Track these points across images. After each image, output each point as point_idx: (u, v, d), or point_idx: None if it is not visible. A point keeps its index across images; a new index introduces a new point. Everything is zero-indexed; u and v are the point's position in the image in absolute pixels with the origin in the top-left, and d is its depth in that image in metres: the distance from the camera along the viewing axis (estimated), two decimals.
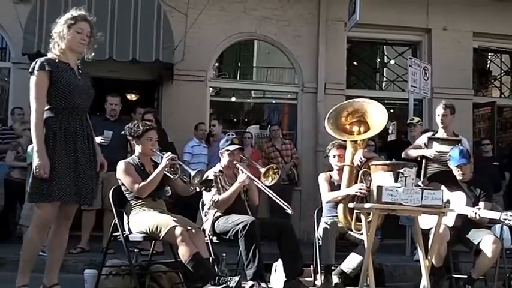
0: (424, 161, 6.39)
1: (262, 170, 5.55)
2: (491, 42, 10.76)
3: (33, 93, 4.12)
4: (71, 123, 4.20)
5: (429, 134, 6.64)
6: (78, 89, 4.23)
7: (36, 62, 4.18)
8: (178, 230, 4.60)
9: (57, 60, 4.20)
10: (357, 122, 5.48)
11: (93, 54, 4.40)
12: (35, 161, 4.02)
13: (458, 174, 5.58)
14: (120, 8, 8.32)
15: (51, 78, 4.14)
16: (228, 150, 5.56)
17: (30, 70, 4.18)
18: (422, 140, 6.60)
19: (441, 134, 6.47)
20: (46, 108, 4.18)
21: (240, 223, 5.08)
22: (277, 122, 10.31)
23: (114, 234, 4.98)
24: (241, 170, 5.47)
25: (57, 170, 4.09)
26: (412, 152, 6.51)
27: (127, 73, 9.42)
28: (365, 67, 11.14)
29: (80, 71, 4.33)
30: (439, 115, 6.42)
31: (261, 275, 5.03)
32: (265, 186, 5.44)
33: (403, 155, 6.54)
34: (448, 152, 5.86)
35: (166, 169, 4.93)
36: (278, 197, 5.41)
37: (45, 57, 4.24)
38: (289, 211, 5.35)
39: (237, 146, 5.60)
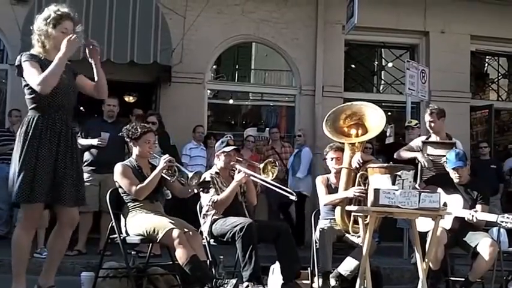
0: (419, 164, 6.40)
1: (261, 165, 5.55)
2: (488, 45, 10.78)
3: (30, 76, 4.00)
4: (57, 122, 4.14)
5: (423, 137, 6.63)
6: (62, 87, 4.13)
7: (23, 54, 4.11)
8: (175, 233, 4.60)
9: (42, 58, 4.14)
10: (355, 125, 5.47)
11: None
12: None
13: (455, 177, 5.58)
14: (118, 10, 8.32)
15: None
16: (224, 151, 5.56)
17: (17, 63, 4.10)
18: (416, 143, 6.60)
19: (434, 137, 6.47)
20: (32, 106, 4.13)
21: (237, 225, 5.08)
22: (275, 124, 10.30)
23: (111, 236, 4.97)
24: (238, 169, 5.47)
25: (39, 170, 4.03)
26: (405, 154, 6.52)
27: (125, 75, 9.40)
28: (363, 70, 11.14)
29: (64, 68, 4.20)
30: (426, 122, 6.43)
31: (258, 276, 5.02)
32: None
33: (395, 156, 6.56)
34: (442, 155, 5.87)
35: (163, 171, 4.93)
36: (278, 185, 5.42)
37: (31, 53, 4.15)
38: (292, 197, 5.35)
39: (233, 147, 5.60)
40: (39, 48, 4.17)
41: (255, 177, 5.49)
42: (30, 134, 4.06)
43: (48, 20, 4.16)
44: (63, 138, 4.16)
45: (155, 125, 7.33)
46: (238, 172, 5.45)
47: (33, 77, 4.01)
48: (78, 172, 4.30)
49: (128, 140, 5.16)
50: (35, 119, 4.10)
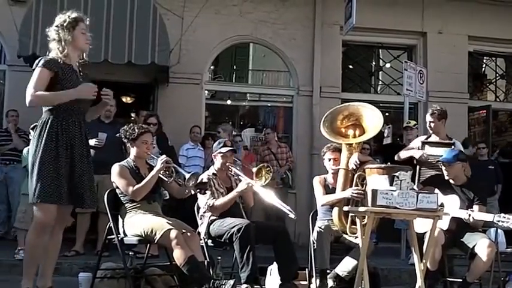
0: (417, 165, 6.42)
1: (254, 169, 5.50)
2: (486, 46, 10.78)
3: (31, 83, 4.09)
4: (71, 125, 4.21)
5: (423, 137, 6.66)
6: None
7: (42, 59, 4.19)
8: (173, 233, 4.59)
9: (61, 62, 4.21)
10: (353, 126, 5.47)
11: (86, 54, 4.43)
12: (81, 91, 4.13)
13: (445, 174, 5.60)
14: (116, 11, 8.31)
15: (56, 78, 4.14)
16: (220, 152, 5.56)
17: (34, 67, 4.16)
18: (415, 143, 6.64)
19: (434, 137, 6.50)
20: (48, 108, 4.19)
21: (234, 226, 5.08)
22: (273, 125, 10.31)
23: (109, 237, 4.97)
24: (240, 177, 5.44)
25: (59, 172, 4.10)
26: (403, 154, 6.58)
27: (122, 76, 9.40)
28: (360, 70, 11.14)
29: (81, 73, 4.35)
30: (427, 121, 6.48)
31: (255, 278, 5.02)
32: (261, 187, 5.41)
33: (396, 158, 6.61)
34: (440, 155, 5.89)
35: (161, 172, 4.93)
36: (280, 201, 5.34)
37: (51, 57, 4.23)
38: (292, 216, 5.24)
39: (230, 148, 5.60)
40: (59, 53, 4.23)
41: (258, 190, 5.40)
42: (45, 135, 4.13)
43: (65, 25, 4.24)
44: (77, 142, 4.24)
45: (155, 126, 7.33)
46: (237, 178, 5.43)
47: (31, 86, 4.10)
48: (92, 175, 4.39)
49: (126, 140, 5.16)
50: (50, 121, 4.16)
